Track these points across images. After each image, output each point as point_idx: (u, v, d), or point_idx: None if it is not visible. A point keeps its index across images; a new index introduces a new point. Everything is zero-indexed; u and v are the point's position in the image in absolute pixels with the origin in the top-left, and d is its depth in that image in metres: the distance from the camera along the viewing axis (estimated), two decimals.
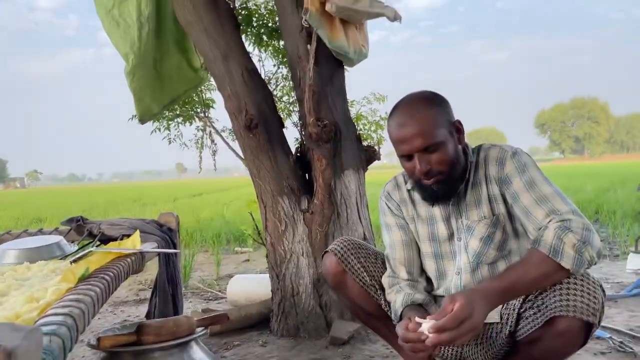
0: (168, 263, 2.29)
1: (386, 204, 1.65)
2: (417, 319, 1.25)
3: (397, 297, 1.54)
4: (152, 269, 2.33)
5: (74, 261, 1.56)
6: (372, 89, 3.46)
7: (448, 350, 1.56)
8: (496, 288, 1.23)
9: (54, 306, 0.97)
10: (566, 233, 1.26)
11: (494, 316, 1.45)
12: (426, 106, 1.41)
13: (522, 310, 1.39)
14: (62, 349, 0.79)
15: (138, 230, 1.97)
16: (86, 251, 1.76)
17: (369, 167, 2.73)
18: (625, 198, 8.62)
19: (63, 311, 0.91)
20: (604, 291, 1.33)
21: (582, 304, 1.27)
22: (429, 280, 1.62)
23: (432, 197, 1.47)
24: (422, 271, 1.62)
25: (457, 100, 1.50)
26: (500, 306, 1.44)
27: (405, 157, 1.44)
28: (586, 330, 1.31)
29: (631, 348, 2.05)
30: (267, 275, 2.68)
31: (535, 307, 1.35)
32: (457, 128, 1.46)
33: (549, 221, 1.31)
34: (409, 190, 1.61)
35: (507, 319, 1.42)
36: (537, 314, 1.33)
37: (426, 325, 1.21)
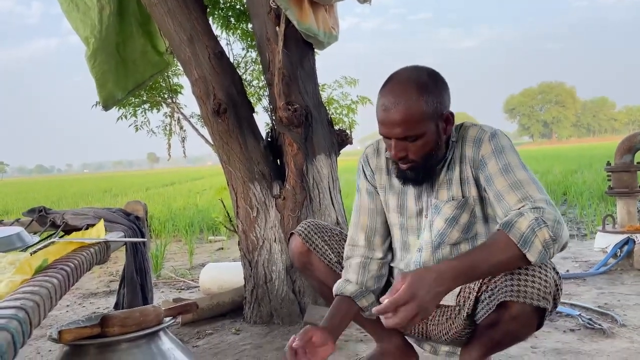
0: (136, 252, 2.23)
1: (362, 167, 1.62)
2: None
3: (339, 279, 1.56)
4: (123, 260, 2.26)
5: (34, 252, 1.49)
6: (342, 76, 3.42)
7: (413, 327, 1.57)
8: (454, 268, 1.18)
9: (5, 299, 0.91)
10: (541, 227, 1.20)
11: (448, 299, 1.44)
12: (415, 93, 1.33)
13: (479, 293, 1.39)
14: (12, 344, 0.74)
15: (102, 219, 1.90)
16: (48, 242, 1.68)
17: (341, 152, 2.70)
18: (591, 179, 8.85)
19: (15, 304, 0.86)
20: (557, 273, 1.33)
21: (532, 289, 1.27)
22: (392, 250, 1.60)
23: (404, 179, 1.46)
24: (383, 241, 1.59)
25: None
26: (458, 289, 1.43)
27: (385, 136, 1.41)
28: (539, 314, 1.31)
29: (600, 325, 2.09)
30: (240, 263, 2.64)
31: (489, 291, 1.35)
32: (446, 118, 1.38)
33: (521, 207, 1.27)
34: (387, 158, 1.57)
35: (464, 302, 1.42)
36: (491, 297, 1.34)
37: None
